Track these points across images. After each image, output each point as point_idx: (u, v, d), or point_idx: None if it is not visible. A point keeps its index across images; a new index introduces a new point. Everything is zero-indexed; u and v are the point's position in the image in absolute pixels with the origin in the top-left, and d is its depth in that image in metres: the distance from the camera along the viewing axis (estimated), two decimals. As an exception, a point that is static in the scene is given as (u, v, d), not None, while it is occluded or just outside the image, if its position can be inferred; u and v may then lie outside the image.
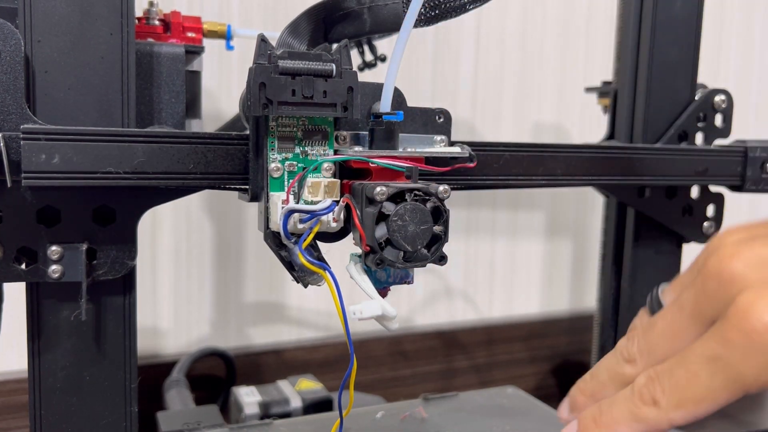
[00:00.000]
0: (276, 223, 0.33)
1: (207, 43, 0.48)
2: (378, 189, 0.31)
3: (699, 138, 0.51)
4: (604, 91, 0.63)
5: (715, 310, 0.24)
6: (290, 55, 0.32)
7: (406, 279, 0.35)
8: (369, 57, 0.54)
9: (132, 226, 0.35)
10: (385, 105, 0.34)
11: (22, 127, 0.31)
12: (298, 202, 0.33)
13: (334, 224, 0.33)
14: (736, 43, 1.00)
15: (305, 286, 0.35)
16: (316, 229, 0.33)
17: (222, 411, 0.56)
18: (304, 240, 0.32)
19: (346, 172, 0.35)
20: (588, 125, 0.88)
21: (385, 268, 0.33)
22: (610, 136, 0.53)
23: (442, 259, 0.33)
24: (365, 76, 0.37)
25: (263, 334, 0.76)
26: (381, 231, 0.31)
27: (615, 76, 0.53)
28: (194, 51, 0.44)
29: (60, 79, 0.33)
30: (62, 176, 0.32)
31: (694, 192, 0.51)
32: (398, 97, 0.35)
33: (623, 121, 0.51)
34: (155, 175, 0.33)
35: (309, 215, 0.32)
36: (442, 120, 0.37)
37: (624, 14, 0.51)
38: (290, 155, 0.34)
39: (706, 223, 0.52)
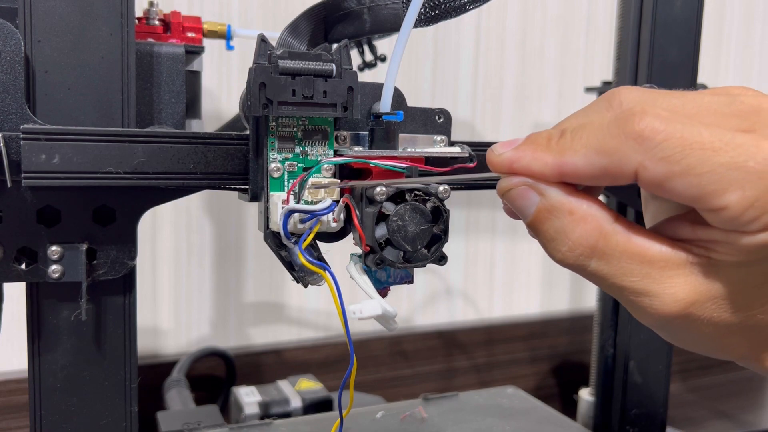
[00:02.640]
0: (276, 223, 0.33)
1: (207, 43, 0.48)
2: (378, 189, 0.31)
3: (699, 138, 0.51)
4: (604, 91, 0.63)
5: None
6: (290, 55, 0.32)
7: (406, 279, 0.35)
8: (369, 57, 0.54)
9: (132, 226, 0.35)
10: (385, 105, 0.34)
11: (22, 127, 0.31)
12: (298, 202, 0.33)
13: (334, 224, 0.33)
14: (736, 43, 1.00)
15: (305, 286, 0.35)
16: (316, 229, 0.33)
17: (222, 411, 0.56)
18: (304, 240, 0.32)
19: (346, 171, 0.35)
20: (588, 125, 0.88)
21: (385, 268, 0.33)
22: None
23: (442, 259, 0.33)
24: (365, 76, 0.37)
25: (263, 334, 0.76)
26: (381, 231, 0.31)
27: (615, 76, 0.53)
28: (194, 51, 0.44)
29: (60, 79, 0.33)
30: (62, 176, 0.32)
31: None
32: (398, 97, 0.35)
33: (623, 121, 0.51)
34: (155, 175, 0.33)
35: (309, 215, 0.32)
36: (442, 120, 0.37)
37: (624, 14, 0.51)
38: (290, 155, 0.34)
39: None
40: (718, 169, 0.21)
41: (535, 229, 0.26)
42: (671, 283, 0.23)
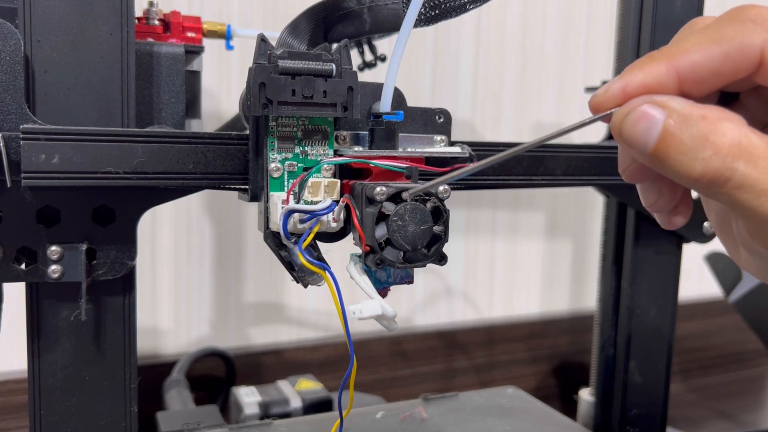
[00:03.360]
0: (276, 223, 0.33)
1: (207, 43, 0.48)
2: (378, 189, 0.31)
3: (699, 138, 0.51)
4: (604, 91, 0.63)
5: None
6: (290, 55, 0.32)
7: (406, 279, 0.35)
8: (369, 57, 0.54)
9: (132, 226, 0.35)
10: (385, 105, 0.34)
11: (21, 127, 0.31)
12: (298, 202, 0.33)
13: (334, 224, 0.33)
14: (736, 43, 1.00)
15: (305, 286, 0.35)
16: (316, 229, 0.33)
17: (222, 411, 0.56)
18: (304, 240, 0.32)
19: (346, 171, 0.35)
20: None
21: (385, 268, 0.33)
22: (610, 136, 0.53)
23: (442, 259, 0.33)
24: (365, 76, 0.37)
25: (263, 334, 0.76)
26: (381, 231, 0.31)
27: (615, 76, 0.53)
28: (194, 51, 0.44)
29: (60, 79, 0.33)
30: (62, 176, 0.32)
31: (694, 192, 0.51)
32: (398, 97, 0.35)
33: (623, 121, 0.51)
34: (155, 175, 0.33)
35: (309, 215, 0.32)
36: (442, 120, 0.37)
37: (624, 14, 0.51)
38: (290, 155, 0.34)
39: (706, 223, 0.52)
40: None
41: (663, 150, 0.23)
42: None
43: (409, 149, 0.36)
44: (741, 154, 0.22)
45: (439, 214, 0.32)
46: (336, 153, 0.35)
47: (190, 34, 0.46)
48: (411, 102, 0.36)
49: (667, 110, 0.22)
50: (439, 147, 0.37)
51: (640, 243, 0.52)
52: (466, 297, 0.87)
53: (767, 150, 0.22)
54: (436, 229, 0.32)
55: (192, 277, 0.73)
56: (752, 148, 0.22)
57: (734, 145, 0.22)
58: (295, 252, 0.33)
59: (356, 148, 0.35)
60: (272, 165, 0.33)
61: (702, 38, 0.22)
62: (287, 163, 0.34)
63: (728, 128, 0.22)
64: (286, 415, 0.56)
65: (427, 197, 0.32)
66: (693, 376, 0.99)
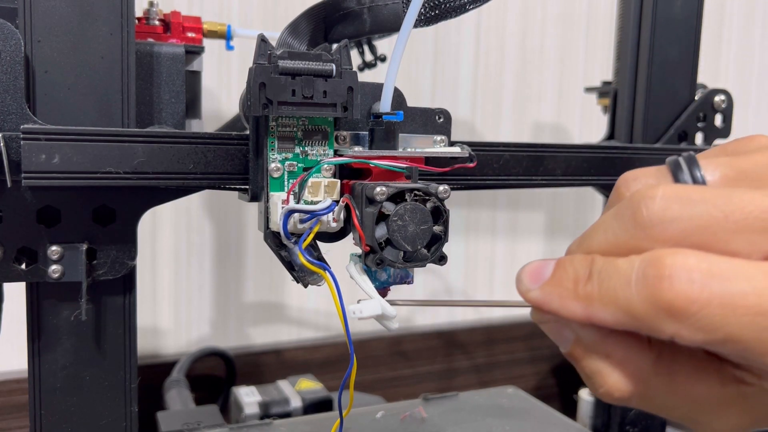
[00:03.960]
0: (276, 223, 0.33)
1: (207, 43, 0.48)
2: (378, 189, 0.31)
3: (699, 138, 0.51)
4: (604, 91, 0.63)
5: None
6: (290, 55, 0.32)
7: (406, 279, 0.35)
8: (369, 57, 0.54)
9: (132, 226, 0.35)
10: (385, 105, 0.34)
11: (22, 127, 0.31)
12: (298, 202, 0.33)
13: (334, 224, 0.33)
14: (736, 43, 1.00)
15: (305, 286, 0.35)
16: (316, 229, 0.33)
17: (222, 411, 0.56)
18: (304, 240, 0.32)
19: (346, 171, 0.35)
20: (588, 125, 0.88)
21: (385, 268, 0.33)
22: (610, 136, 0.53)
23: (442, 259, 0.33)
24: (365, 76, 0.37)
25: (263, 334, 0.76)
26: (381, 231, 0.31)
27: (615, 76, 0.53)
28: (194, 51, 0.44)
29: (60, 79, 0.33)
30: (62, 176, 0.32)
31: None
32: (398, 97, 0.35)
33: (623, 121, 0.51)
34: (155, 175, 0.33)
35: (309, 215, 0.32)
36: (442, 120, 0.37)
37: (624, 14, 0.51)
38: (290, 155, 0.34)
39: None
40: (765, 335, 0.19)
41: (572, 362, 0.25)
42: (721, 414, 0.22)
43: (409, 149, 0.36)
44: (633, 397, 0.23)
45: (439, 214, 0.32)
46: (336, 153, 0.35)
47: (190, 34, 0.46)
48: (411, 102, 0.36)
49: (575, 337, 0.24)
50: (439, 147, 0.37)
51: (640, 243, 0.51)
52: (466, 297, 0.87)
53: (665, 392, 0.23)
54: (436, 229, 0.32)
55: (192, 277, 0.73)
56: (647, 393, 0.23)
57: (627, 392, 0.23)
58: (295, 252, 0.33)
59: (356, 148, 0.35)
60: (272, 165, 0.33)
61: (619, 300, 0.21)
62: (287, 163, 0.34)
63: (627, 374, 0.23)
64: (286, 415, 0.56)
65: (427, 197, 0.32)
66: (693, 376, 0.99)
